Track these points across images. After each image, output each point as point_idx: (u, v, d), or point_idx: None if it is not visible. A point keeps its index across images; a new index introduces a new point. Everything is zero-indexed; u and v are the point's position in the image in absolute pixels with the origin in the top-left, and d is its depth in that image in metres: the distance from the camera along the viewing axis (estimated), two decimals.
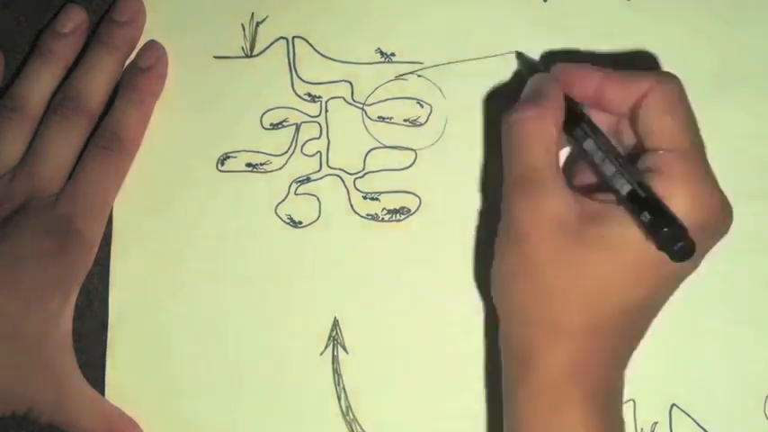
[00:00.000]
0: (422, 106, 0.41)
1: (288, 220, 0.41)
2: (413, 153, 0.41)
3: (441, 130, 0.40)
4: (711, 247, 0.32)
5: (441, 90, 0.41)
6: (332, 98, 0.41)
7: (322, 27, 0.42)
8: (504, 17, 0.41)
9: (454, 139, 0.40)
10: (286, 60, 0.42)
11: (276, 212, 0.41)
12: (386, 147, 0.41)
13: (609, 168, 0.31)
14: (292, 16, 0.42)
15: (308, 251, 0.40)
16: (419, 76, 0.41)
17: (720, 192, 0.31)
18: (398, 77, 0.41)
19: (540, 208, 0.31)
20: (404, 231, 0.40)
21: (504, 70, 0.40)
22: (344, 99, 0.41)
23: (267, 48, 0.42)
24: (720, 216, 0.31)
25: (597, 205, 0.32)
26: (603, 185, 0.32)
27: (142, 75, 0.41)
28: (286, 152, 0.41)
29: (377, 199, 0.41)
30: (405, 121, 0.41)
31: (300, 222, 0.41)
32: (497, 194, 0.34)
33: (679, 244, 0.28)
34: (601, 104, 0.34)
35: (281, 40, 0.42)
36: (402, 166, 0.41)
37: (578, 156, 0.36)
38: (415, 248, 0.40)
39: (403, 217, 0.40)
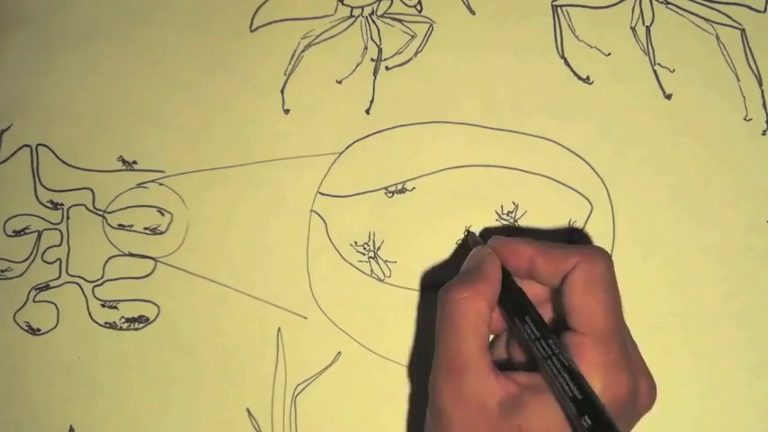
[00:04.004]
0: (163, 214, 0.41)
1: (26, 328, 0.41)
2: (152, 261, 0.41)
3: (181, 239, 0.41)
4: (632, 428, 0.32)
5: (182, 198, 0.41)
6: (74, 205, 0.41)
7: (64, 134, 0.42)
8: (246, 128, 0.41)
9: (195, 248, 0.41)
10: (30, 168, 0.42)
11: (15, 319, 0.41)
12: (125, 255, 0.41)
13: (543, 357, 0.30)
14: (35, 124, 0.42)
15: (45, 359, 0.40)
16: (160, 184, 0.41)
17: (637, 377, 0.31)
18: (140, 185, 0.41)
19: (462, 391, 0.31)
20: (142, 340, 0.40)
21: (248, 179, 0.40)
22: (86, 206, 0.41)
23: (11, 155, 0.42)
24: (636, 402, 0.30)
25: (519, 390, 0.31)
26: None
27: None
28: (27, 259, 0.41)
29: (115, 307, 0.41)
30: (145, 229, 0.41)
31: (39, 330, 0.40)
32: None
33: None
34: (534, 277, 0.33)
35: (25, 148, 0.42)
36: (141, 275, 0.41)
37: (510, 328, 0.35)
38: (153, 356, 0.40)
39: (141, 326, 0.40)
